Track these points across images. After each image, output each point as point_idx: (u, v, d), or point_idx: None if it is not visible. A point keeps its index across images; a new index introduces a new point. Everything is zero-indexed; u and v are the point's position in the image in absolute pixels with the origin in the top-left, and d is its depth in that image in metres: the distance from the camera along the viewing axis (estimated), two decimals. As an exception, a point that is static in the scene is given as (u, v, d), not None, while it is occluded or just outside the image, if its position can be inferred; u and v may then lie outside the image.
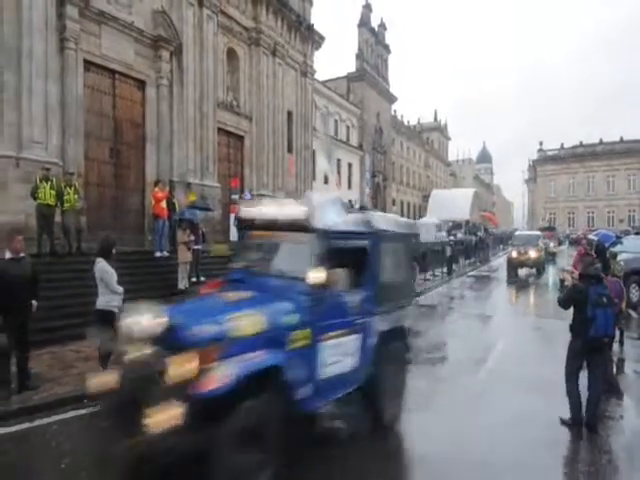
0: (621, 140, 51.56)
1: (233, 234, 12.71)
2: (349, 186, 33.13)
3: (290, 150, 20.97)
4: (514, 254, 17.97)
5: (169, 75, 13.97)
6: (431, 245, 19.99)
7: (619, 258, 8.68)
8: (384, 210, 37.60)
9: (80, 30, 11.32)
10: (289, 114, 20.76)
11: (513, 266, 17.80)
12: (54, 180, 8.44)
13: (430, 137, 56.78)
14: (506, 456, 3.96)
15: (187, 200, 11.17)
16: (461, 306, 12.19)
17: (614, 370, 5.96)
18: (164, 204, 9.85)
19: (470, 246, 24.34)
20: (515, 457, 3.93)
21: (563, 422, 4.51)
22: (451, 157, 70.70)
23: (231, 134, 17.36)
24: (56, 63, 10.81)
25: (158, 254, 9.69)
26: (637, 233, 14.96)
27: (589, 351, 4.47)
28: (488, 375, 6.16)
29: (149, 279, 8.76)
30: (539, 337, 8.57)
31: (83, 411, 4.68)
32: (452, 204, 33.37)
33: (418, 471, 3.71)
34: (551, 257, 24.15)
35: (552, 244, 26.27)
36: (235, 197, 14.91)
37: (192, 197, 11.49)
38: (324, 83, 29.62)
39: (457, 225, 33.31)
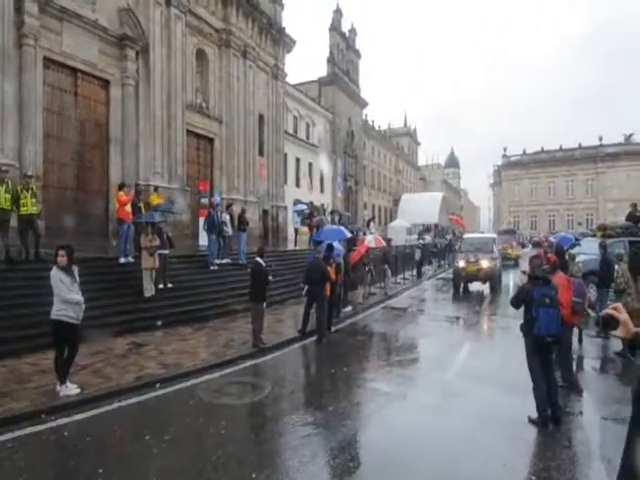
0: (579, 146, 54.32)
1: (203, 238, 12.48)
2: (321, 190, 33.23)
3: (261, 153, 20.86)
4: (461, 264, 14.23)
5: (135, 75, 13.59)
6: (402, 248, 20.31)
7: (577, 260, 9.14)
8: (356, 214, 37.96)
9: (40, 26, 10.85)
10: (260, 117, 20.66)
11: (461, 279, 14.34)
12: (9, 183, 8.01)
13: (400, 142, 57.86)
14: (471, 455, 4.05)
15: (151, 203, 10.87)
16: (430, 308, 12.49)
17: (573, 367, 6.23)
18: (129, 208, 9.53)
19: (440, 249, 24.92)
20: (479, 456, 4.04)
21: (531, 421, 4.67)
22: (421, 162, 72.29)
23: (201, 136, 17.10)
24: (13, 60, 10.30)
25: (123, 260, 9.37)
26: (593, 235, 15.72)
27: (540, 350, 4.68)
28: (456, 375, 6.32)
29: (114, 287, 8.45)
30: (505, 336, 8.86)
31: (41, 427, 4.44)
32: (422, 208, 34.09)
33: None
34: (512, 262, 22.70)
35: (511, 248, 24.03)
36: (204, 201, 14.63)
37: (156, 200, 11.18)
38: (295, 86, 29.66)
39: (427, 229, 34.06)
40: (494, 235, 18.62)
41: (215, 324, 8.90)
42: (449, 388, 5.80)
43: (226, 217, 12.05)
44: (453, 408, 5.15)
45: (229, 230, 12.04)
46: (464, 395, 5.58)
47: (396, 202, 45.80)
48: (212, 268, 11.18)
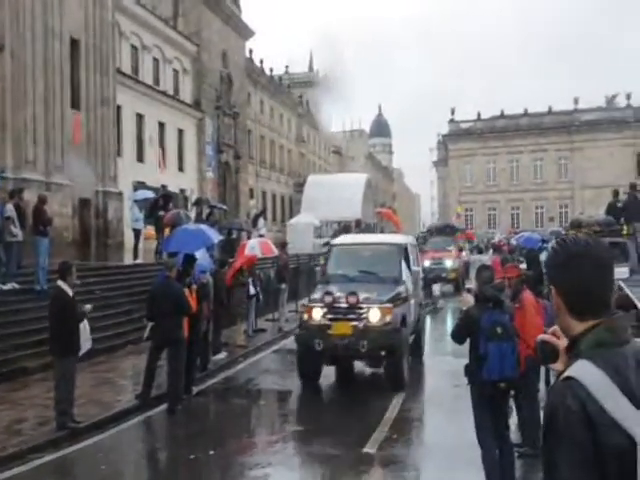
0: (550, 111, 61.30)
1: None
2: (180, 167, 32.59)
3: (76, 105, 19.83)
4: (317, 315, 9.30)
5: None
6: (306, 259, 20.79)
7: (545, 270, 10.26)
8: (237, 205, 37.91)
9: None
10: (73, 44, 19.64)
11: (315, 359, 9.42)
12: None
13: (304, 95, 59.30)
14: None
15: None
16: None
17: (541, 424, 6.96)
18: None
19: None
20: None
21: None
22: (335, 127, 74.89)
23: (-37, 72, 15.77)
24: None
25: None
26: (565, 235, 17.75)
27: (490, 401, 5.14)
28: (379, 447, 6.63)
29: None
30: (452, 385, 9.52)
31: None
32: (337, 197, 35.22)
33: None
34: (452, 283, 22.05)
35: (450, 262, 22.41)
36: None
37: None
38: (135, -2, 28.74)
39: (344, 227, 35.30)
40: (405, 240, 12.13)
41: (-10, 394, 8.38)
42: (368, 468, 6.12)
43: (11, 211, 11.43)
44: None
45: (18, 233, 11.44)
46: (386, 476, 5.97)
47: (299, 187, 46.80)
48: (-15, 299, 10.43)
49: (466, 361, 5.38)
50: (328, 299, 9.14)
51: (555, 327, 1.64)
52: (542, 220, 57.57)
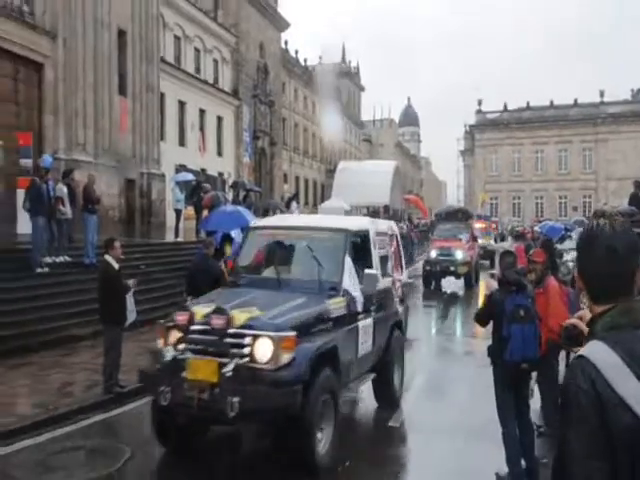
0: (575, 103, 59.67)
1: (24, 223, 11.86)
2: (219, 152, 32.80)
3: (123, 92, 20.10)
4: (172, 341, 5.25)
5: None
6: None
7: (566, 257, 10.10)
8: (271, 189, 38.03)
9: None
10: (121, 34, 19.83)
11: (162, 423, 5.53)
12: None
13: (337, 86, 58.93)
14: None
15: None
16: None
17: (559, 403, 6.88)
18: None
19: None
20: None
21: (499, 478, 5.08)
22: (365, 116, 74.34)
23: (20, 59, 16.15)
24: None
25: None
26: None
27: (512, 381, 5.11)
28: (402, 424, 6.73)
29: None
30: (469, 365, 9.53)
31: None
32: (366, 183, 34.99)
33: None
34: (461, 277, 18.33)
35: (460, 253, 18.26)
36: (26, 162, 13.93)
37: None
38: (179, -9, 28.82)
39: (374, 212, 35.13)
40: (362, 225, 7.36)
41: (43, 359, 8.59)
42: (392, 439, 6.22)
43: (63, 190, 11.61)
44: (398, 465, 5.41)
45: (68, 211, 11.62)
46: (415, 449, 6.02)
47: (331, 173, 46.69)
48: (39, 271, 10.72)
49: (489, 342, 5.35)
50: (181, 318, 5.19)
51: (581, 312, 1.63)
52: (566, 210, 56.39)
